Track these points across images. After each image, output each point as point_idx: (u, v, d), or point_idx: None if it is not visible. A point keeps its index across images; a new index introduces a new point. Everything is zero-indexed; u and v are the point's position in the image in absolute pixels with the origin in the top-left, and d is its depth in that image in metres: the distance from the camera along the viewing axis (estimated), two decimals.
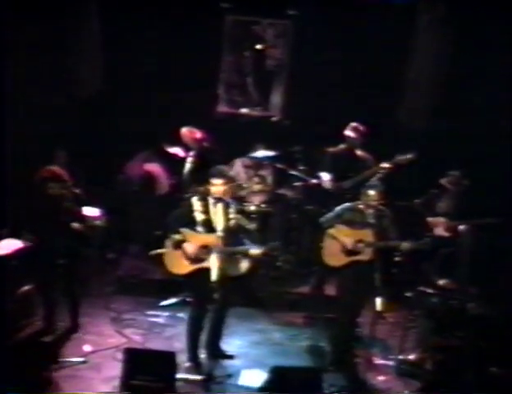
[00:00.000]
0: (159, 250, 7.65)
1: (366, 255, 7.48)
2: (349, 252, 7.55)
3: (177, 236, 7.29)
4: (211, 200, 7.37)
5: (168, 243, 7.39)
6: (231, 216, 7.42)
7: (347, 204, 7.73)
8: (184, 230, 7.29)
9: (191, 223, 7.33)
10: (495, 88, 9.97)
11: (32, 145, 9.54)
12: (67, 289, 7.79)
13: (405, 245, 7.43)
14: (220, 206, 7.37)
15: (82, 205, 7.77)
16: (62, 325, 7.81)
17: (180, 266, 7.36)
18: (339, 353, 7.72)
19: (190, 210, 7.36)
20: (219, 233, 7.30)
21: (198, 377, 7.23)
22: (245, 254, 7.39)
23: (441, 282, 7.97)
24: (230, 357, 7.71)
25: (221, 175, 7.37)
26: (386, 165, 8.74)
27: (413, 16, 10.41)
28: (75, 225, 7.53)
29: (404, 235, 7.57)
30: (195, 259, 7.31)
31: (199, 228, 7.32)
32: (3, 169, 8.71)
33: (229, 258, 7.36)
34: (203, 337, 7.58)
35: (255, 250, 7.36)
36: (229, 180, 7.60)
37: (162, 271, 7.66)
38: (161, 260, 7.55)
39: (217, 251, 7.26)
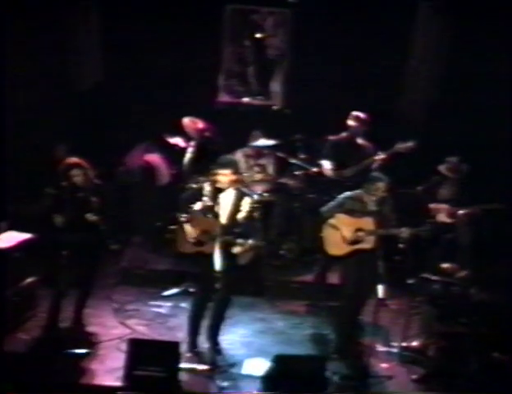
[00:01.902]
0: (172, 226, 7.70)
1: (368, 243, 7.48)
2: (351, 241, 7.55)
3: (184, 216, 7.26)
4: (215, 189, 7.34)
5: (178, 220, 7.36)
6: (244, 206, 7.38)
7: (347, 193, 7.72)
8: (191, 211, 7.27)
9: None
10: (498, 75, 9.97)
11: (32, 137, 9.56)
12: (79, 281, 7.78)
13: (406, 232, 7.43)
14: (230, 195, 7.34)
15: (102, 196, 7.73)
16: (66, 316, 7.81)
17: (185, 246, 7.34)
18: (342, 341, 7.74)
19: (199, 194, 7.35)
20: (222, 221, 7.28)
21: (202, 367, 7.25)
22: (243, 246, 7.36)
23: (445, 266, 7.95)
24: (219, 352, 7.61)
25: (230, 164, 7.36)
26: (384, 154, 8.76)
27: (414, 5, 10.38)
28: (92, 216, 7.53)
29: (406, 222, 7.56)
30: (196, 242, 7.30)
31: (204, 213, 7.30)
32: (4, 163, 8.72)
33: (231, 247, 7.35)
34: (204, 328, 7.59)
35: (253, 243, 7.35)
36: (237, 169, 7.56)
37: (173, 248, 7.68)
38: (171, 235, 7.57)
39: (219, 238, 7.25)
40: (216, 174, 7.33)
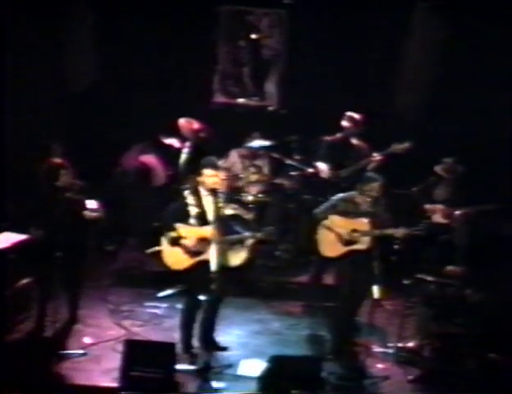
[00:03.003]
0: (156, 248, 7.63)
1: (363, 244, 7.48)
2: (346, 242, 7.55)
3: (173, 233, 7.25)
4: (204, 192, 7.33)
5: (165, 240, 7.34)
6: (221, 206, 7.37)
7: (340, 195, 7.73)
8: (179, 225, 7.25)
9: (186, 217, 7.29)
10: (494, 75, 9.99)
11: (29, 139, 9.54)
12: (68, 282, 7.79)
13: (401, 232, 7.44)
14: (210, 197, 7.32)
15: (86, 197, 7.77)
16: (62, 318, 7.82)
17: (180, 261, 7.31)
18: (338, 342, 7.74)
19: (184, 204, 7.32)
20: (212, 224, 7.28)
21: (198, 368, 7.24)
22: (242, 242, 7.39)
23: (450, 269, 7.95)
24: (224, 349, 7.68)
25: (213, 165, 7.34)
26: (380, 155, 8.78)
27: (411, 5, 10.39)
28: (81, 216, 7.54)
29: (402, 223, 7.56)
30: (195, 253, 7.29)
31: (194, 221, 7.28)
32: (2, 163, 8.71)
33: (227, 249, 7.35)
34: (197, 329, 7.57)
35: (252, 236, 7.38)
36: (221, 170, 7.55)
37: (161, 265, 7.61)
38: (159, 257, 7.50)
39: (216, 242, 7.25)
40: (201, 176, 7.32)
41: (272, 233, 7.58)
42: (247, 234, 7.44)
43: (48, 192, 7.52)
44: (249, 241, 7.46)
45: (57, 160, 7.71)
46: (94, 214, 7.78)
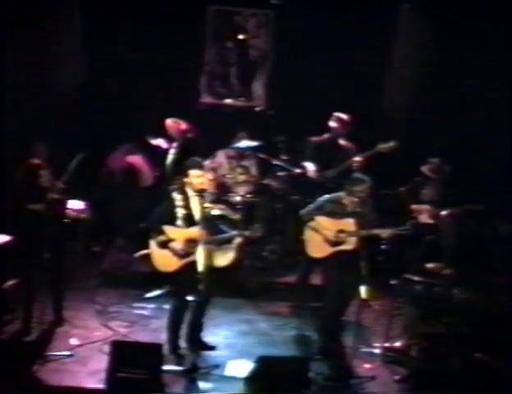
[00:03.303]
0: (145, 251, 7.62)
1: (349, 245, 7.48)
2: (333, 243, 7.54)
3: (162, 236, 7.23)
4: (191, 193, 7.31)
5: (153, 243, 7.33)
6: (208, 206, 7.36)
7: (327, 196, 7.71)
8: (167, 227, 7.23)
9: (173, 219, 7.27)
10: (480, 75, 10.03)
11: (12, 139, 9.48)
12: (51, 283, 7.78)
13: (387, 232, 7.44)
14: (197, 198, 7.31)
15: (67, 197, 7.76)
16: (47, 319, 7.80)
17: (170, 263, 7.30)
18: (325, 342, 7.72)
19: (171, 206, 7.30)
20: (199, 225, 7.26)
21: (185, 369, 7.22)
22: (230, 241, 7.39)
23: (430, 266, 7.97)
24: (212, 348, 7.68)
25: (198, 166, 7.33)
26: (366, 154, 8.80)
27: (396, 5, 10.42)
28: (62, 217, 7.53)
29: (389, 223, 7.57)
30: (184, 254, 7.28)
31: (181, 223, 7.26)
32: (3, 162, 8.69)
33: (215, 249, 7.35)
34: (184, 329, 7.55)
35: (239, 235, 7.39)
36: (207, 170, 7.55)
37: (150, 267, 7.58)
38: (148, 260, 7.49)
39: (204, 242, 7.24)
40: (189, 177, 7.30)
41: (258, 230, 7.58)
42: (234, 232, 7.45)
43: (24, 193, 7.47)
44: (237, 240, 7.47)
45: (36, 161, 7.67)
46: (78, 215, 7.76)
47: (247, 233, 7.49)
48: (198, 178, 7.26)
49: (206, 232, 7.24)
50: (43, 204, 7.46)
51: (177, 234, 7.25)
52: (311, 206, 7.75)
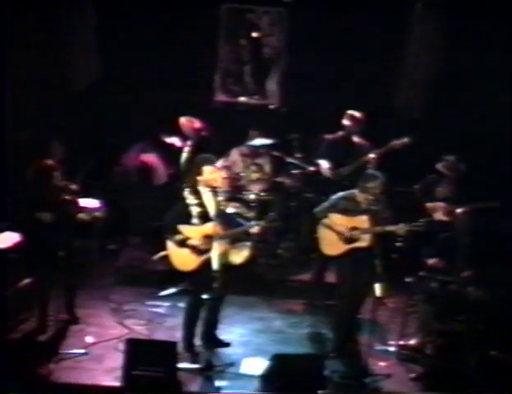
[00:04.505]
0: (163, 253, 7.64)
1: (364, 242, 7.47)
2: (347, 240, 7.54)
3: (179, 236, 7.24)
4: (204, 190, 7.32)
5: (170, 243, 7.33)
6: (222, 202, 7.39)
7: (340, 193, 7.71)
8: (183, 226, 7.23)
9: (188, 218, 7.26)
10: (493, 73, 9.99)
11: (30, 138, 9.53)
12: (66, 281, 7.81)
13: (401, 228, 7.42)
14: (211, 194, 7.31)
15: (80, 197, 7.79)
16: (63, 317, 7.85)
17: (188, 262, 7.31)
18: (340, 340, 7.73)
19: (186, 204, 7.30)
20: (214, 220, 7.27)
21: (200, 367, 7.24)
22: (247, 233, 7.40)
23: (431, 262, 7.95)
24: (227, 345, 7.69)
25: (210, 162, 7.34)
26: (379, 151, 8.79)
27: (410, 2, 10.38)
28: (78, 216, 7.57)
29: (403, 221, 7.55)
30: (203, 251, 7.28)
31: (197, 221, 7.26)
32: (2, 162, 8.71)
33: (231, 245, 7.36)
34: (199, 327, 7.56)
35: (255, 225, 7.40)
36: (219, 167, 7.55)
37: (169, 267, 7.58)
38: (166, 260, 7.51)
39: (220, 237, 7.25)
40: (202, 174, 7.30)
41: (274, 219, 7.58)
42: (250, 223, 7.44)
43: (36, 193, 7.51)
44: (253, 230, 7.45)
45: (49, 161, 7.69)
46: (93, 213, 7.79)
47: (263, 223, 7.50)
48: (211, 174, 7.28)
49: (222, 227, 7.25)
50: (54, 208, 7.48)
51: (193, 232, 7.26)
52: (325, 204, 7.75)
